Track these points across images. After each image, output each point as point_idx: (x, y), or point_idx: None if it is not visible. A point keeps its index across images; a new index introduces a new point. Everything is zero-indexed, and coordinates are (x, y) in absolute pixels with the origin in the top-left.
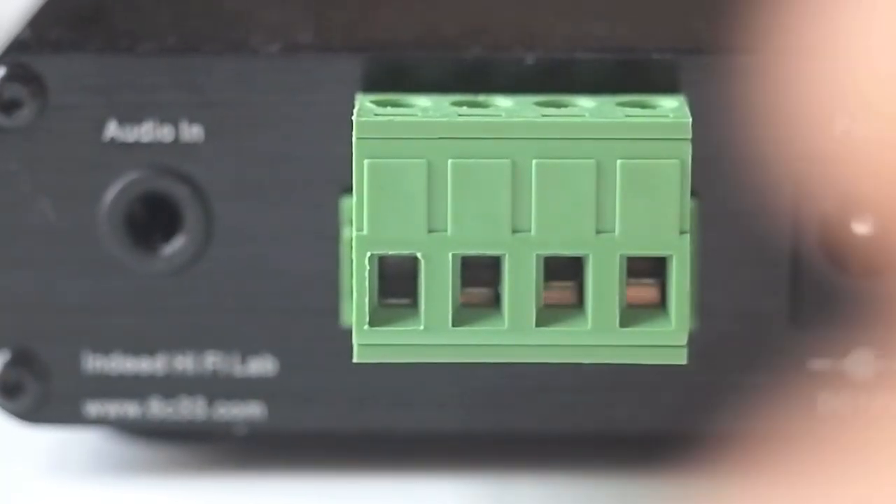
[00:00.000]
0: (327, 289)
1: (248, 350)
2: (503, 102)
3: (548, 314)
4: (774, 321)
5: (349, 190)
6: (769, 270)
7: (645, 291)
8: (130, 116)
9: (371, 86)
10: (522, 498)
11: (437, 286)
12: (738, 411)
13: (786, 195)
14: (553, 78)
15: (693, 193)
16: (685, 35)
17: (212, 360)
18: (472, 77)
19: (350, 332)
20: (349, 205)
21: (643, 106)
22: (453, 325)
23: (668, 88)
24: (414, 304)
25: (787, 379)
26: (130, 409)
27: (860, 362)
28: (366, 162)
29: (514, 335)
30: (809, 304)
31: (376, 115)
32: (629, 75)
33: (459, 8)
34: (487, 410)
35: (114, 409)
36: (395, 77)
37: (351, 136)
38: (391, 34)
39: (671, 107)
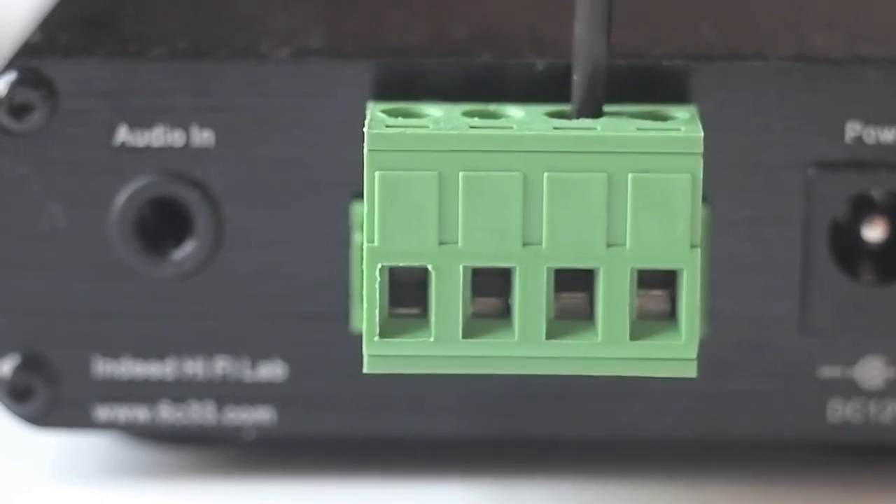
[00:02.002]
0: (338, 294)
1: (258, 355)
2: (515, 113)
3: (558, 326)
4: (784, 328)
5: (360, 195)
6: (780, 277)
7: (655, 302)
8: (141, 121)
9: (381, 91)
10: None
11: (448, 298)
12: (748, 418)
13: (797, 202)
14: (564, 84)
15: (704, 199)
16: (696, 42)
17: (222, 365)
18: (482, 83)
19: (360, 337)
20: (360, 210)
21: (655, 117)
22: (464, 337)
23: (679, 95)
24: (424, 312)
25: (796, 386)
26: (140, 414)
27: (870, 370)
28: (377, 174)
29: (525, 347)
30: (820, 312)
31: (388, 126)
32: (640, 82)
33: (470, 14)
34: (497, 416)
35: (123, 413)
36: (405, 82)
37: (361, 141)
38: (401, 40)
39: (683, 118)
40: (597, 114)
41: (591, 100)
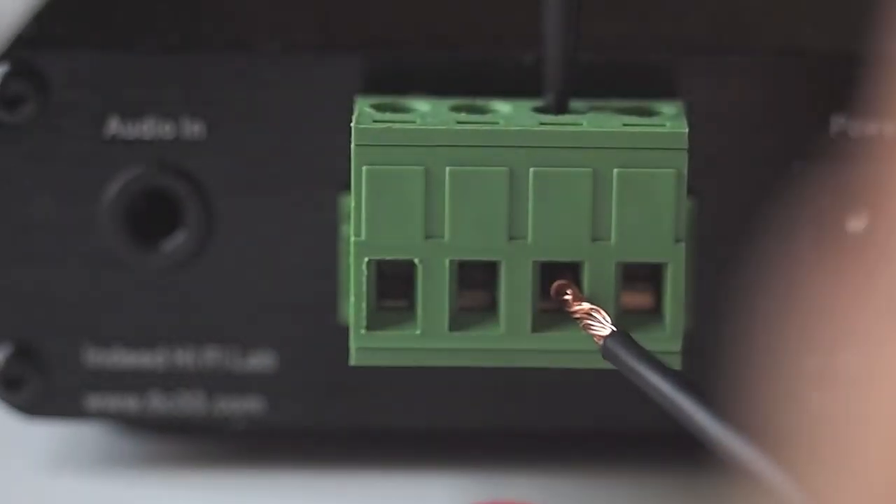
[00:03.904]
0: (326, 285)
1: (247, 345)
2: (502, 107)
3: (544, 319)
4: (769, 320)
5: (348, 187)
6: (764, 269)
7: (639, 297)
8: (132, 113)
9: (370, 84)
10: (520, 495)
11: (434, 291)
12: (731, 410)
13: (781, 194)
14: None
15: (690, 192)
16: (683, 36)
17: (212, 355)
18: (470, 77)
19: (347, 328)
20: (348, 201)
21: (641, 113)
22: (450, 330)
23: (665, 90)
24: (412, 304)
25: (779, 378)
26: (131, 403)
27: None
28: (364, 168)
29: (511, 340)
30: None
31: (375, 121)
32: (626, 76)
33: (458, 8)
34: (486, 407)
35: (114, 402)
36: (394, 75)
37: (349, 134)
38: (391, 33)
39: (669, 114)
40: (562, 108)
41: (557, 93)
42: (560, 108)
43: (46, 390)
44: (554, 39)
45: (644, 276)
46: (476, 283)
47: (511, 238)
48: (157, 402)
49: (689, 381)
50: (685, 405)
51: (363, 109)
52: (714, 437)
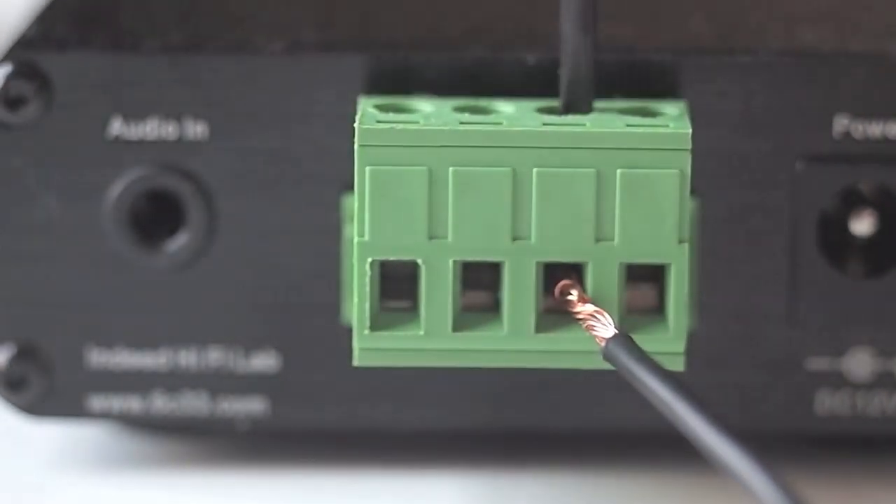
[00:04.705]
0: (329, 285)
1: (250, 345)
2: (505, 108)
3: (547, 320)
4: (773, 321)
5: (350, 187)
6: (768, 270)
7: (643, 296)
8: (135, 114)
9: (373, 85)
10: (523, 495)
11: (438, 292)
12: (736, 411)
13: (785, 195)
14: (554, 79)
15: (693, 193)
16: (686, 36)
17: (215, 356)
18: (473, 77)
19: (350, 328)
20: (350, 202)
21: (644, 113)
22: (453, 331)
23: (668, 90)
24: (415, 304)
25: (784, 378)
26: (134, 404)
27: (858, 362)
28: (367, 169)
29: (514, 341)
30: (808, 304)
31: (378, 122)
32: (630, 76)
33: (462, 8)
34: (489, 408)
35: (117, 403)
36: (397, 76)
37: (353, 134)
38: (394, 33)
39: (672, 115)
40: (585, 110)
41: (578, 96)
42: (567, 108)
43: (49, 391)
44: (571, 41)
45: (648, 275)
46: (479, 283)
47: (514, 239)
48: (161, 403)
49: (686, 386)
50: (680, 410)
51: (366, 110)
52: (706, 445)
